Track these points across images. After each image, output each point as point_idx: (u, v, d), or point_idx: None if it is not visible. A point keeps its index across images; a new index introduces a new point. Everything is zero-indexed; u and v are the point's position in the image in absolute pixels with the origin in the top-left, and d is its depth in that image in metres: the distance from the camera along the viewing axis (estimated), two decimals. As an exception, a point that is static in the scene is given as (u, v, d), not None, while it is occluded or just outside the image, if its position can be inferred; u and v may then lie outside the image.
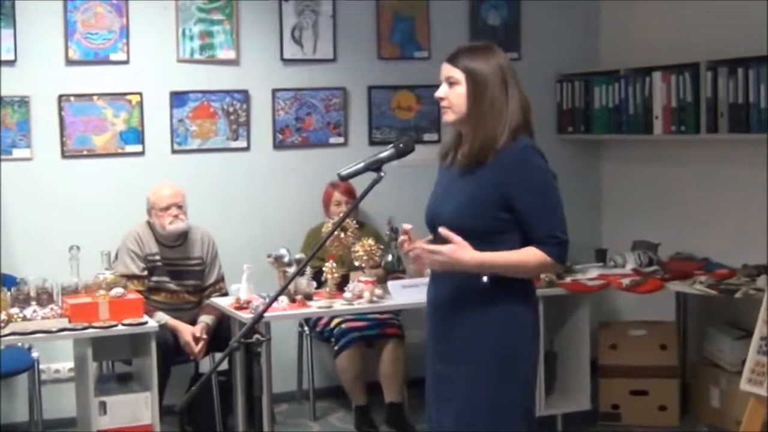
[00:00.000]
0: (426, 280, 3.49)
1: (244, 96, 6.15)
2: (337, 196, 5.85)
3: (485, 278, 3.16)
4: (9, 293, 4.79)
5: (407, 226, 3.31)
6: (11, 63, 5.70)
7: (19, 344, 5.07)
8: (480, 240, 3.14)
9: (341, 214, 5.16)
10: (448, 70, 3.24)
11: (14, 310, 4.65)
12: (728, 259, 5.57)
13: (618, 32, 6.66)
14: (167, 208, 5.44)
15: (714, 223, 5.88)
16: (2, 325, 4.52)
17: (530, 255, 3.15)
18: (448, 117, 3.26)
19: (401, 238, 3.31)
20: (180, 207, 5.48)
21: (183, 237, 5.55)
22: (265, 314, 3.45)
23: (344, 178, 3.29)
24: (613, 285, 5.50)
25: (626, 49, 6.47)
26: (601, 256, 6.04)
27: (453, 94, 3.23)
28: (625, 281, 5.49)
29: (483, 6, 6.56)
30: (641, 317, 5.90)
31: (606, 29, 6.78)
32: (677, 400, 5.66)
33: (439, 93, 3.27)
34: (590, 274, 5.64)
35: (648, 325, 5.78)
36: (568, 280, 5.45)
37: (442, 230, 3.15)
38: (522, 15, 6.66)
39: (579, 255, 5.73)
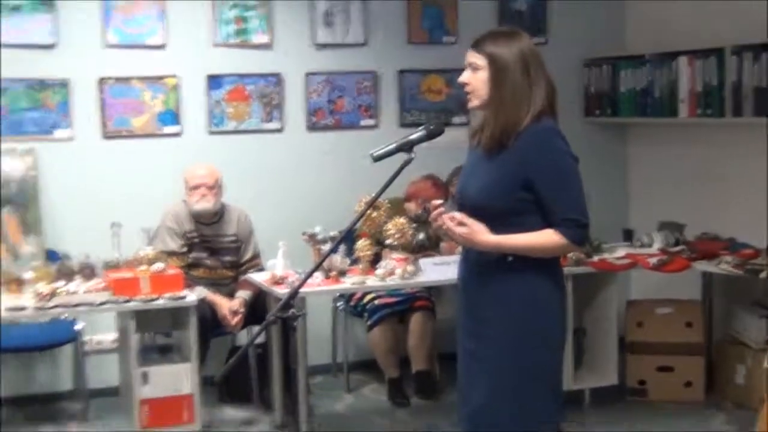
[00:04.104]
0: (457, 257, 3.52)
1: (278, 79, 6.22)
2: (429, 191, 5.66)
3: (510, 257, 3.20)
4: (54, 268, 4.88)
5: (437, 202, 3.33)
6: (52, 47, 5.77)
7: (64, 316, 5.17)
8: (502, 220, 3.17)
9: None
10: (471, 55, 3.24)
11: (59, 284, 4.70)
12: (753, 240, 5.57)
13: (643, 17, 6.67)
14: (196, 188, 5.53)
15: (739, 204, 5.91)
16: (47, 298, 4.61)
17: (546, 237, 3.16)
18: (472, 102, 3.27)
19: (434, 213, 3.30)
20: (210, 188, 5.54)
21: (218, 215, 5.62)
22: (301, 290, 3.43)
23: (376, 159, 3.27)
24: (640, 264, 5.53)
25: (652, 33, 6.50)
26: (628, 236, 6.07)
27: (475, 80, 3.23)
28: (652, 260, 5.52)
29: (511, -7, 6.63)
30: (667, 296, 5.89)
31: (632, 14, 6.79)
32: (702, 376, 5.68)
33: (462, 78, 3.28)
34: (618, 253, 5.68)
35: (674, 304, 5.80)
36: (596, 259, 5.49)
37: (463, 217, 3.18)
38: (549, 1, 6.71)
39: (607, 235, 5.81)
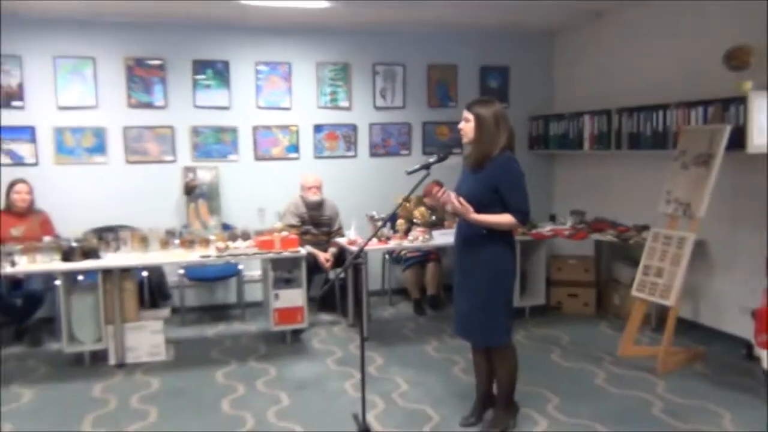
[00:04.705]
0: (453, 231, 3.48)
1: (354, 128, 6.17)
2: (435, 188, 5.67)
3: (485, 230, 3.19)
4: (227, 234, 4.90)
5: (444, 189, 3.32)
6: (228, 108, 5.79)
7: (232, 261, 5.09)
8: (481, 208, 3.15)
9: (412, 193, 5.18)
10: (465, 113, 3.23)
11: (230, 243, 4.74)
12: (626, 221, 5.49)
13: (564, 92, 6.53)
14: (310, 188, 5.52)
15: (618, 200, 5.78)
16: (223, 251, 4.63)
17: (505, 218, 3.14)
18: (465, 140, 3.25)
19: (440, 192, 3.27)
20: (318, 188, 5.53)
21: (320, 204, 5.59)
22: (365, 248, 3.49)
23: (409, 173, 3.27)
24: (559, 235, 5.46)
25: (569, 101, 6.36)
26: (552, 218, 6.00)
27: (467, 127, 3.22)
28: (566, 233, 5.46)
29: (487, 77, 6.49)
30: (575, 253, 5.84)
31: (557, 90, 6.64)
32: (594, 300, 5.62)
33: (460, 126, 3.26)
34: (546, 228, 5.61)
35: (578, 258, 5.73)
36: (533, 231, 5.42)
37: (461, 199, 3.16)
38: (510, 82, 6.56)
39: (540, 218, 5.75)
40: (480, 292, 3.22)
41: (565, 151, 6.23)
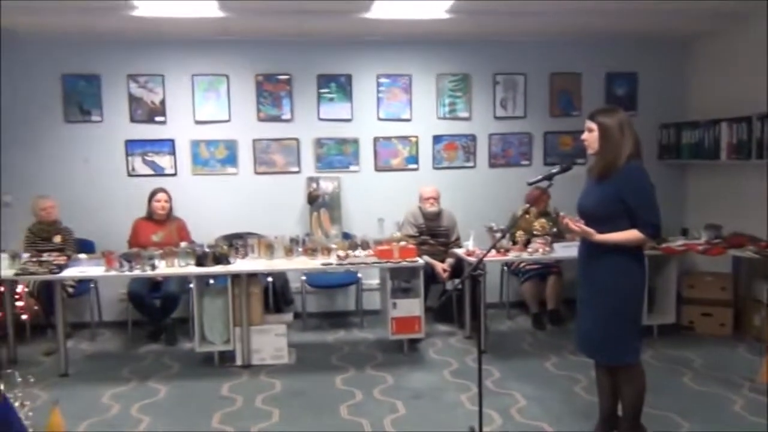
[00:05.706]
0: (576, 243, 3.40)
1: (473, 138, 6.13)
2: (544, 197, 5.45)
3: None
4: (347, 242, 4.98)
5: (563, 214, 3.30)
6: (350, 120, 5.93)
7: (352, 269, 5.27)
8: (605, 221, 3.07)
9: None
10: (588, 123, 3.16)
11: (350, 251, 4.81)
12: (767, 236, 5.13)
13: (698, 99, 6.17)
14: (427, 199, 5.54)
15: (759, 214, 5.35)
16: (344, 258, 4.71)
17: (632, 235, 3.03)
18: (589, 151, 3.18)
19: (564, 219, 3.26)
20: (435, 199, 5.54)
21: (438, 214, 5.60)
22: (483, 259, 3.47)
23: (530, 184, 3.28)
24: (692, 250, 5.16)
25: (703, 108, 5.99)
26: (684, 232, 5.66)
27: (591, 137, 3.15)
28: (700, 248, 5.14)
29: (613, 83, 6.26)
30: (710, 270, 5.48)
31: (690, 97, 6.28)
32: (731, 320, 5.25)
33: (583, 136, 3.19)
34: (677, 242, 5.30)
35: (714, 275, 5.39)
36: (664, 246, 5.14)
37: (580, 224, 3.11)
38: (638, 88, 6.29)
39: (671, 232, 5.45)
40: (606, 308, 3.11)
41: (699, 161, 5.87)
